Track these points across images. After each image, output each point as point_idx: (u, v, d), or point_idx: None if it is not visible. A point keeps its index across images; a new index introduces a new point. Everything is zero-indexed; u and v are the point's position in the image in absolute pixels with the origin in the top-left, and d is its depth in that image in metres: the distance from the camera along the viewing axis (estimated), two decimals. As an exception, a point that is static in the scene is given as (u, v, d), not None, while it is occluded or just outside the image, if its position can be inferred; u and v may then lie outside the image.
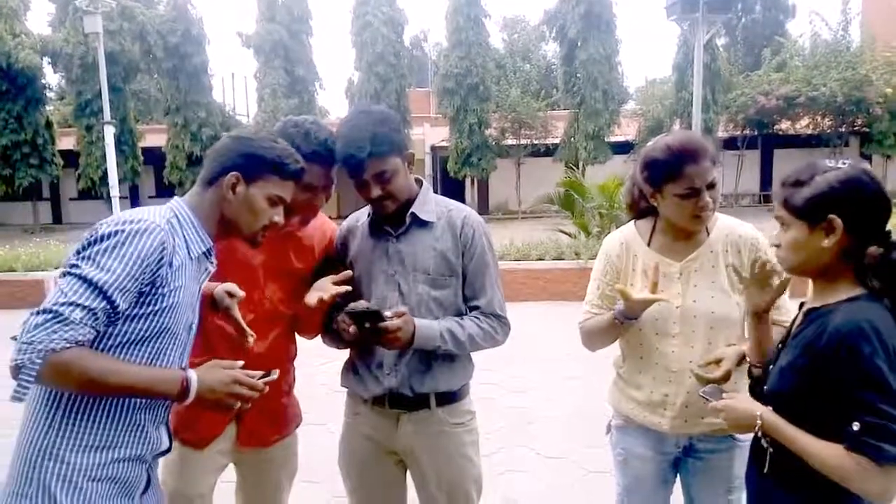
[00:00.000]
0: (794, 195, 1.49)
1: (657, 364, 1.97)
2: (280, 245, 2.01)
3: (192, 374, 1.49)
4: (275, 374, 1.69)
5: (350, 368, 2.12)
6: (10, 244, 12.61)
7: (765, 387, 1.59)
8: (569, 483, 3.71)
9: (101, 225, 1.46)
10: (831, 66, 20.90)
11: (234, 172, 1.61)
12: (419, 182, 2.08)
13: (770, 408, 1.51)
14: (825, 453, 1.39)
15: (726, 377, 1.74)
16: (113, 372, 1.40)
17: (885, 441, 1.32)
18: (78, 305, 1.34)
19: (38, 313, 1.33)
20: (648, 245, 2.01)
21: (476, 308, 2.03)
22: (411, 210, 1.99)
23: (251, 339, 1.79)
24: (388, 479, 2.12)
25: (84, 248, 1.43)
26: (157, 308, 1.48)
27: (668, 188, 1.86)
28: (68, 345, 1.31)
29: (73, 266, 1.39)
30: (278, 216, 1.68)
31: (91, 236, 1.44)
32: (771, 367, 1.60)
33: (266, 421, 2.08)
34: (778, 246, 1.55)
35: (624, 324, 1.93)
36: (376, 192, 1.91)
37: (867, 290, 1.45)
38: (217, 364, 1.55)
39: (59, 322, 1.31)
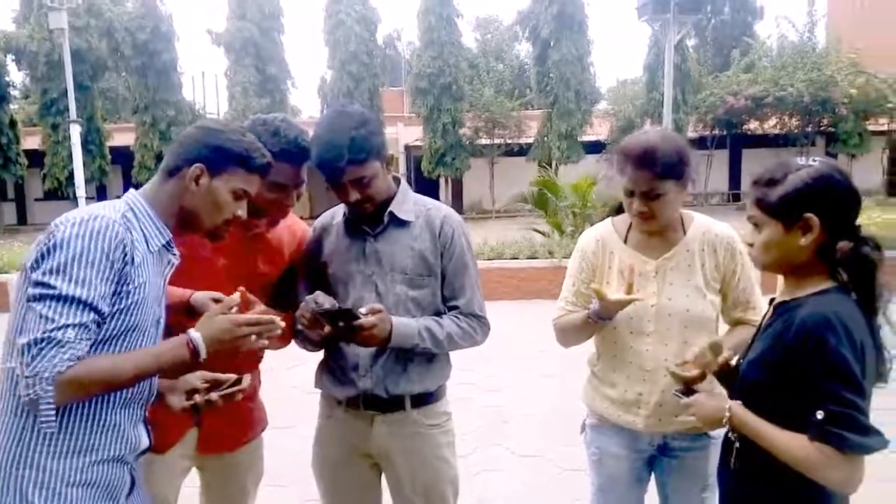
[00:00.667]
0: (767, 194, 1.48)
1: (631, 363, 1.97)
2: (246, 247, 1.96)
3: (194, 333, 1.46)
4: (246, 381, 1.65)
5: (324, 370, 2.08)
6: (-28, 246, 12.28)
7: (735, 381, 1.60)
8: (544, 482, 3.71)
9: (57, 228, 1.40)
10: (798, 67, 21.30)
11: (198, 164, 1.55)
12: (397, 180, 2.04)
13: (739, 402, 1.52)
14: (790, 444, 1.40)
15: (702, 377, 1.75)
16: (121, 366, 1.39)
17: (849, 430, 1.33)
18: (68, 326, 1.32)
19: (31, 345, 1.30)
20: (625, 242, 2.01)
21: (455, 308, 2.00)
22: (389, 209, 1.96)
23: (246, 381, 1.70)
24: (362, 481, 2.09)
25: (45, 257, 1.37)
26: (122, 306, 1.43)
27: (621, 181, 1.89)
28: (71, 363, 1.31)
29: (45, 286, 1.34)
30: (241, 210, 1.63)
31: (50, 241, 1.39)
32: (741, 360, 1.61)
33: (229, 425, 2.02)
34: (751, 245, 1.55)
35: (598, 324, 1.93)
36: (354, 196, 1.87)
37: (836, 284, 1.46)
38: (210, 315, 1.51)
39: (55, 347, 1.30)
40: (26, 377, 1.29)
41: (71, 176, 17.31)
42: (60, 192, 21.93)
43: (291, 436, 3.29)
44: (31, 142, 22.91)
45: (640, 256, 1.96)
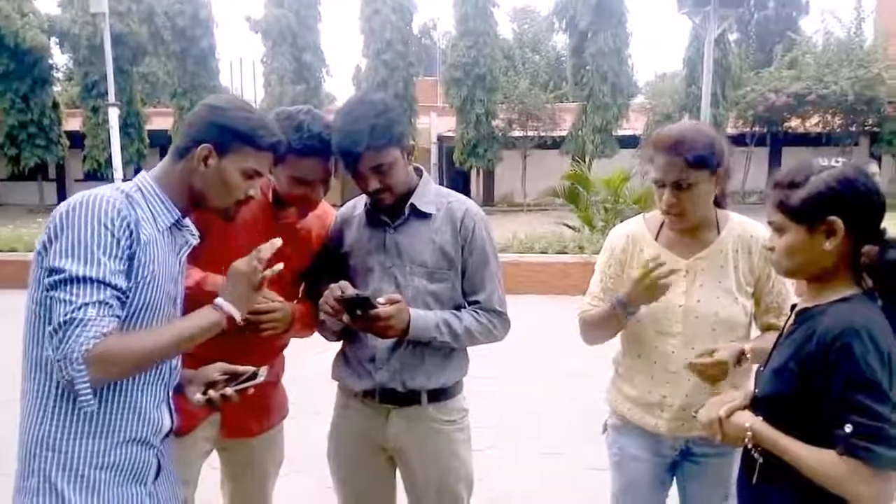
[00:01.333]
0: (789, 197, 1.43)
1: (656, 363, 1.93)
2: (275, 237, 1.96)
3: (222, 302, 1.48)
4: (262, 376, 1.65)
5: (341, 360, 2.07)
6: (13, 224, 12.61)
7: (756, 389, 1.54)
8: (564, 480, 3.68)
9: (63, 210, 1.40)
10: (843, 65, 20.72)
11: (205, 144, 1.52)
12: (419, 172, 2.02)
13: (760, 418, 1.46)
14: (817, 460, 1.34)
15: (723, 371, 1.69)
16: (156, 338, 1.40)
17: (879, 444, 1.28)
18: (87, 304, 1.31)
19: (55, 332, 1.31)
20: (656, 239, 1.95)
21: (475, 303, 1.98)
22: (410, 201, 1.94)
23: (262, 375, 1.70)
24: (377, 474, 2.08)
25: (52, 242, 1.37)
26: (133, 282, 1.43)
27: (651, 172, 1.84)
28: (97, 340, 1.30)
29: (56, 272, 1.34)
30: (254, 190, 1.60)
31: (53, 225, 1.39)
32: (761, 369, 1.55)
33: (250, 413, 2.03)
34: (772, 250, 1.50)
35: (622, 315, 1.87)
36: (374, 184, 1.86)
37: (861, 290, 1.41)
38: (229, 275, 1.53)
39: (77, 327, 1.30)
40: (57, 361, 1.29)
41: (110, 158, 17.62)
42: (100, 174, 22.38)
43: (314, 422, 3.30)
44: (73, 123, 23.41)
45: (671, 255, 1.91)
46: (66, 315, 1.30)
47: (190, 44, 22.36)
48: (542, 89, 23.68)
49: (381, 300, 1.79)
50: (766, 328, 1.94)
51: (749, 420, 1.47)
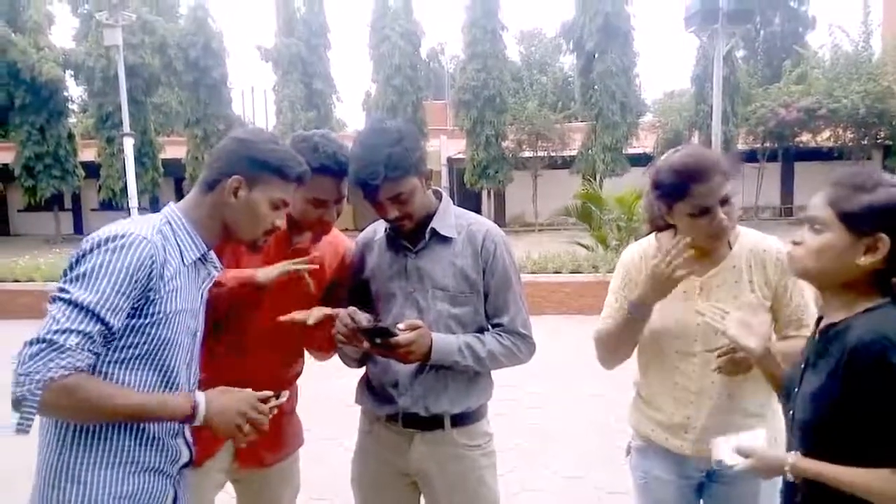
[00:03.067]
0: (849, 198, 1.37)
1: (677, 384, 1.90)
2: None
3: (201, 399, 1.46)
4: (284, 397, 1.64)
5: (364, 385, 2.06)
6: (30, 254, 12.74)
7: (791, 413, 1.49)
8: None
9: (87, 241, 1.42)
10: (853, 78, 20.65)
11: (236, 176, 1.55)
12: (438, 195, 2.01)
13: (797, 453, 1.41)
14: (870, 480, 1.29)
15: (747, 364, 1.67)
16: (116, 396, 1.37)
17: None
18: (72, 331, 1.30)
19: (31, 343, 1.29)
20: None
21: (499, 326, 1.96)
22: (431, 225, 1.93)
23: (283, 396, 1.69)
24: (401, 499, 2.06)
25: (71, 268, 1.39)
26: (153, 319, 1.44)
27: (679, 208, 1.79)
28: (66, 372, 1.28)
29: (61, 291, 1.36)
30: (280, 220, 1.64)
31: (77, 254, 1.41)
32: (795, 390, 1.49)
33: (264, 443, 2.00)
34: (797, 244, 1.44)
35: (637, 318, 1.82)
36: (393, 213, 1.86)
37: (888, 300, 1.36)
38: (229, 390, 1.52)
39: (54, 350, 1.28)
40: (18, 374, 1.27)
41: (125, 187, 17.83)
42: (115, 203, 22.63)
43: (335, 448, 3.28)
44: (88, 154, 23.73)
45: None
46: (48, 333, 1.29)
47: (202, 74, 22.68)
48: (551, 110, 23.78)
49: (401, 326, 1.78)
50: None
51: (786, 459, 1.42)
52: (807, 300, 1.86)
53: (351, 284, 2.05)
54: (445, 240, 1.94)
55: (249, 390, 1.54)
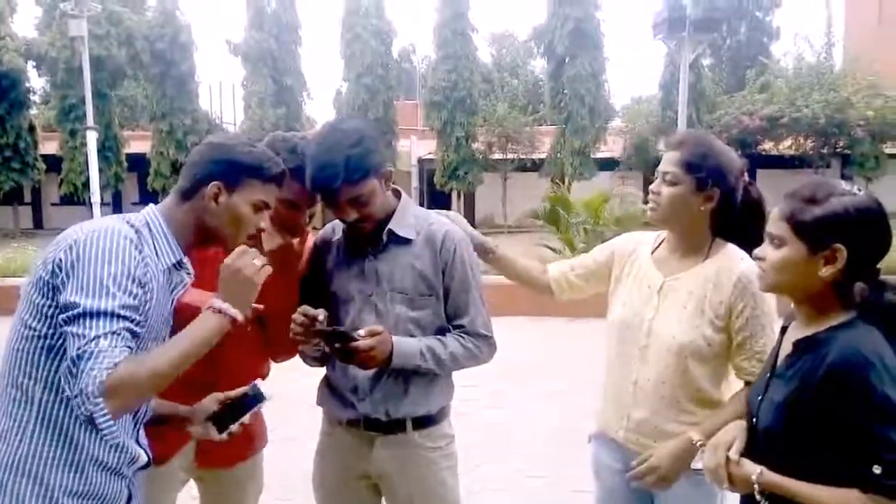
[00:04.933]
0: (803, 211, 1.37)
1: (621, 374, 1.95)
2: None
3: (219, 303, 1.44)
4: (269, 397, 1.68)
5: (325, 388, 2.05)
6: (-13, 248, 12.40)
7: (754, 420, 1.49)
8: (546, 502, 3.66)
9: (77, 244, 1.37)
10: (814, 88, 21.18)
11: (215, 182, 1.54)
12: (398, 194, 1.98)
13: (763, 468, 1.39)
14: (838, 501, 1.29)
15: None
16: (164, 357, 1.36)
17: None
18: (98, 337, 1.29)
19: (70, 365, 1.29)
20: (652, 253, 1.99)
21: (460, 327, 1.95)
22: (388, 227, 1.90)
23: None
24: (362, 501, 2.06)
25: (68, 276, 1.35)
26: None
27: None
28: (109, 370, 1.27)
29: (71, 306, 1.32)
30: (263, 222, 1.63)
31: (69, 256, 1.36)
32: (759, 398, 1.49)
33: (227, 442, 2.01)
34: (761, 259, 1.45)
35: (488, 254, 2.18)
36: (352, 215, 1.82)
37: (857, 315, 1.37)
38: (223, 279, 1.48)
39: (90, 360, 1.27)
40: (75, 397, 1.27)
41: (87, 181, 17.45)
42: (76, 198, 22.14)
43: (296, 448, 3.27)
44: (50, 147, 23.18)
45: (654, 269, 1.94)
46: (79, 349, 1.28)
47: (169, 67, 22.32)
48: (521, 112, 23.96)
49: (361, 332, 1.76)
50: (736, 370, 1.85)
51: (754, 471, 1.39)
52: (764, 331, 1.79)
53: (309, 284, 2.02)
54: (404, 241, 1.91)
55: (232, 260, 1.50)
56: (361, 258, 1.93)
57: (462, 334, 1.95)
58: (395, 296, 1.90)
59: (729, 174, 1.84)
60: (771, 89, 22.31)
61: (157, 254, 1.49)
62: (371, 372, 1.88)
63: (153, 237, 1.50)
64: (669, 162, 1.85)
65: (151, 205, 1.58)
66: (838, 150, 22.43)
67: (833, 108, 20.43)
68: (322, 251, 2.03)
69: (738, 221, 1.86)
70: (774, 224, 1.42)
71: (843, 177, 20.80)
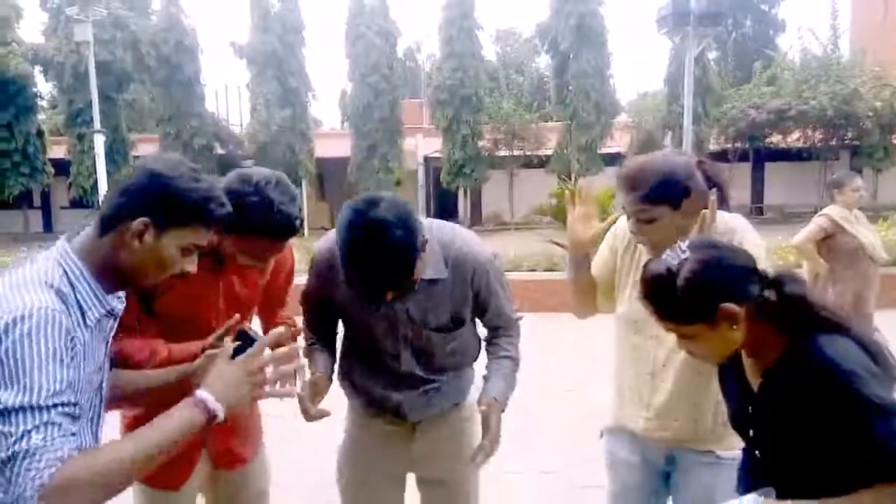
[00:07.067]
0: (669, 307, 1.40)
1: (637, 364, 1.95)
2: (226, 280, 1.87)
3: (204, 393, 1.26)
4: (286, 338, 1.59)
5: (357, 392, 2.08)
6: (-2, 253, 12.51)
7: (755, 451, 1.51)
8: (558, 499, 3.66)
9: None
10: (821, 80, 21.09)
11: (143, 218, 1.29)
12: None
13: (763, 498, 1.40)
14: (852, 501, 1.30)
15: None
16: (126, 452, 1.17)
17: None
18: (28, 432, 1.10)
19: (2, 468, 1.10)
20: None
21: (496, 327, 2.04)
22: (421, 278, 1.80)
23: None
24: (395, 492, 2.14)
25: None
26: None
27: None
28: (52, 469, 1.09)
29: None
30: (191, 265, 1.38)
31: None
32: (748, 430, 1.52)
33: (240, 440, 2.03)
34: (692, 353, 1.49)
35: (576, 261, 2.03)
36: (390, 298, 1.75)
37: (793, 335, 1.38)
38: (218, 366, 1.32)
39: (24, 460, 1.09)
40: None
41: (96, 184, 17.57)
42: (86, 201, 22.29)
43: (292, 440, 3.29)
44: (58, 151, 23.35)
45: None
46: (8, 450, 1.10)
47: (175, 70, 22.42)
48: (527, 109, 23.91)
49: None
50: None
51: (754, 501, 1.40)
52: None
53: (320, 304, 1.97)
54: (434, 281, 1.86)
55: (237, 360, 1.35)
56: (388, 305, 1.84)
57: (501, 341, 2.05)
58: (430, 334, 1.92)
59: (688, 178, 1.79)
60: (778, 82, 22.24)
61: (82, 311, 1.28)
62: (412, 395, 1.99)
63: (75, 291, 1.27)
64: (633, 204, 1.81)
65: (65, 244, 1.32)
66: (846, 141, 22.32)
67: (841, 99, 20.33)
68: (332, 274, 1.85)
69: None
70: (667, 326, 1.45)
71: (852, 168, 20.69)
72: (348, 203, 1.66)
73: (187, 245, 1.35)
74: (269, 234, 1.66)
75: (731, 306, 1.35)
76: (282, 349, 1.40)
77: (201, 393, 1.26)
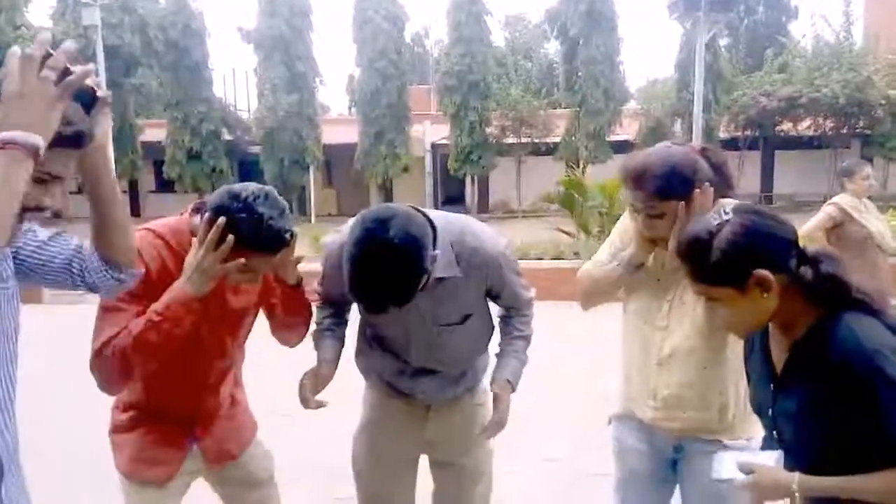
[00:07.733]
0: (703, 268, 1.39)
1: (645, 354, 1.95)
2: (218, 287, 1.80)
3: (8, 135, 1.08)
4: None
5: (376, 375, 2.12)
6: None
7: (774, 433, 1.50)
8: (563, 486, 3.67)
9: None
10: (833, 68, 20.85)
11: None
12: (431, 224, 1.90)
13: (798, 474, 1.38)
14: (883, 480, 1.29)
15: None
16: None
17: None
18: None
19: None
20: None
21: (510, 307, 2.09)
22: (433, 276, 1.80)
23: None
24: (409, 474, 2.20)
25: None
26: None
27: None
28: None
29: None
30: (49, 199, 1.28)
31: None
32: (769, 411, 1.50)
33: (226, 438, 2.02)
34: (717, 322, 1.49)
35: (626, 272, 1.92)
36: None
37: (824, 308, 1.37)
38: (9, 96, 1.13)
39: None
40: None
41: (103, 170, 17.59)
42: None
43: (290, 424, 3.30)
44: (66, 136, 23.39)
45: (661, 248, 1.92)
46: None
47: (182, 55, 22.37)
48: (535, 96, 23.78)
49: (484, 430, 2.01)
50: None
51: (789, 478, 1.39)
52: None
53: (336, 295, 1.96)
54: (446, 278, 1.85)
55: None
56: None
57: (514, 316, 2.10)
58: (441, 329, 1.96)
59: (692, 169, 1.78)
60: (789, 69, 22.02)
61: None
62: (433, 386, 2.06)
63: None
64: (641, 201, 1.79)
65: None
66: (858, 130, 22.11)
67: (853, 87, 20.12)
68: (337, 270, 1.79)
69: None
70: (695, 287, 1.44)
71: (863, 157, 20.52)
72: (362, 216, 1.68)
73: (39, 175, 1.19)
74: (259, 248, 1.64)
75: (764, 273, 1.33)
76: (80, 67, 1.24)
77: (7, 134, 1.08)
